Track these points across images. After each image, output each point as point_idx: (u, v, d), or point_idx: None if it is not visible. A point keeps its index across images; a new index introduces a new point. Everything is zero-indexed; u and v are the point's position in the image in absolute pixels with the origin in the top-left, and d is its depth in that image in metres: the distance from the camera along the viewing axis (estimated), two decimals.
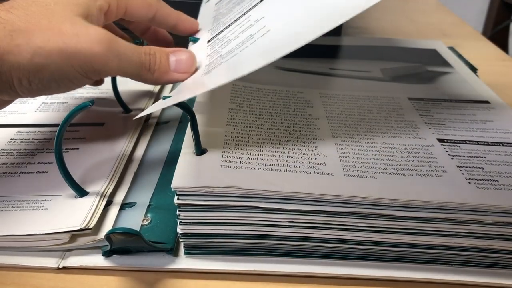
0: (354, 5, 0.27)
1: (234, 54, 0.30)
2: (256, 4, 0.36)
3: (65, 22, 0.29)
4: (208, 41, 0.36)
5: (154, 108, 0.30)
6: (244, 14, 0.36)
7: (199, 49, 0.36)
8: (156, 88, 0.46)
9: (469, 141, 0.33)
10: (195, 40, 0.39)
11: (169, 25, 0.39)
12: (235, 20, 0.36)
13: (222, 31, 0.36)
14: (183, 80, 0.33)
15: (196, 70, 0.33)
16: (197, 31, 0.40)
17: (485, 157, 0.31)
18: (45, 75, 0.28)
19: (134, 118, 0.31)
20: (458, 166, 0.30)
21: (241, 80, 0.40)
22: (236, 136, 0.31)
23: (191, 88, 0.30)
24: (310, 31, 0.27)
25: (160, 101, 0.31)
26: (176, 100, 0.28)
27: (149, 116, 0.42)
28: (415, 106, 0.38)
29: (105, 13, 0.33)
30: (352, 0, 0.28)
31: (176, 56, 0.33)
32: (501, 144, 0.33)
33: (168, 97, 0.30)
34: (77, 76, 0.29)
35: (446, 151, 0.32)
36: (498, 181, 0.28)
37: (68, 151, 0.35)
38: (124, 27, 0.40)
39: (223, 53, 0.32)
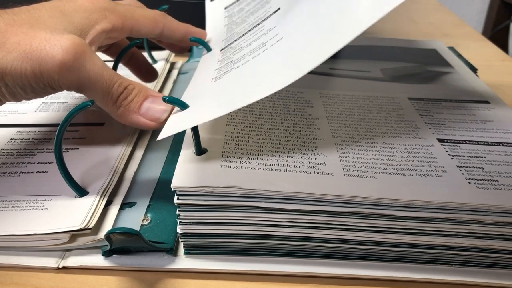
0: (370, 16, 0.26)
1: (246, 60, 0.30)
2: (270, 15, 0.36)
3: (46, 30, 0.28)
4: (221, 50, 0.36)
5: (175, 130, 0.28)
6: (258, 24, 0.36)
7: (211, 57, 0.36)
8: (157, 88, 0.46)
9: (469, 141, 0.33)
10: (197, 41, 0.39)
11: (176, 38, 0.39)
12: (249, 30, 0.36)
13: (235, 40, 0.36)
14: (149, 128, 0.31)
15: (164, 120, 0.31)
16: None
17: (485, 157, 0.31)
18: (9, 80, 0.27)
19: (157, 139, 0.28)
20: (458, 166, 0.30)
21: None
22: (236, 136, 0.31)
23: (210, 107, 0.29)
24: (328, 43, 0.26)
25: (179, 119, 0.29)
26: (198, 120, 0.27)
27: None
28: (415, 106, 0.38)
29: (109, 33, 0.33)
30: (370, 11, 0.26)
31: (152, 103, 0.31)
32: (501, 144, 0.33)
33: (169, 97, 0.30)
34: (40, 84, 0.28)
35: (446, 151, 0.32)
36: (498, 181, 0.28)
37: (68, 151, 0.35)
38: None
39: (234, 59, 0.32)
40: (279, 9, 0.37)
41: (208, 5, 0.47)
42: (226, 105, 0.27)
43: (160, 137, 0.28)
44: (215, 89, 0.31)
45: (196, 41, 0.39)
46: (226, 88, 0.30)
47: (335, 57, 0.52)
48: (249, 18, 0.39)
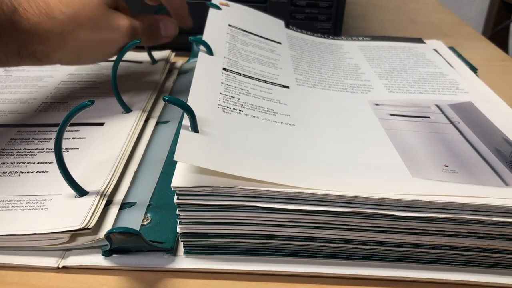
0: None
1: (255, 115, 0.32)
2: (278, 85, 0.38)
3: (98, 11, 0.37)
4: (224, 69, 0.37)
5: (191, 160, 0.26)
6: (265, 81, 0.38)
7: (213, 70, 0.37)
8: (156, 88, 0.46)
9: None
10: (197, 40, 0.39)
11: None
12: (255, 79, 0.38)
13: (240, 74, 0.37)
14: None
15: None
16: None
17: None
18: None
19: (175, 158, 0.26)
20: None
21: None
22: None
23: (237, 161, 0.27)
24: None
25: (194, 149, 0.27)
26: (223, 169, 0.26)
27: (149, 116, 0.42)
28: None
29: None
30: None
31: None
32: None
33: (169, 96, 0.30)
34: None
35: None
36: None
37: (68, 151, 0.35)
38: None
39: (241, 100, 0.34)
40: (288, 87, 0.39)
41: (212, 11, 0.47)
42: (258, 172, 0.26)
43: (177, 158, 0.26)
44: (227, 126, 0.30)
45: (197, 41, 0.39)
46: (243, 143, 0.29)
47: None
48: (255, 64, 0.40)
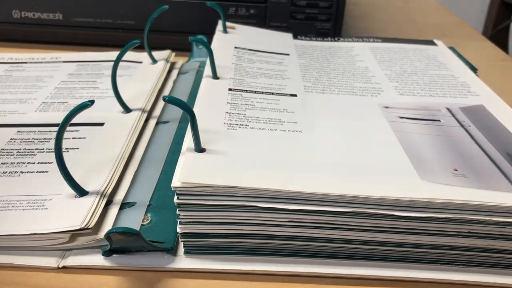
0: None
1: (262, 127, 0.33)
2: (285, 94, 0.38)
3: None
4: (230, 89, 0.38)
5: (199, 178, 0.26)
6: (272, 93, 0.38)
7: (219, 91, 0.37)
8: (157, 88, 0.46)
9: None
10: (197, 40, 0.39)
11: None
12: (262, 92, 0.38)
13: (246, 91, 0.38)
14: None
15: None
16: None
17: None
18: None
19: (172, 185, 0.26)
20: None
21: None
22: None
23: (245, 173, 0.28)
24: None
25: (201, 167, 0.28)
26: (232, 182, 0.26)
27: (149, 116, 0.42)
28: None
29: None
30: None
31: None
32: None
33: (169, 96, 0.30)
34: None
35: None
36: None
37: (68, 151, 0.35)
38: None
39: (247, 115, 0.34)
40: (296, 95, 0.39)
41: (218, 34, 0.48)
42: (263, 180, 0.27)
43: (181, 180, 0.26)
44: (232, 142, 0.31)
45: (197, 41, 0.39)
46: (248, 154, 0.30)
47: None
48: (262, 79, 0.41)
